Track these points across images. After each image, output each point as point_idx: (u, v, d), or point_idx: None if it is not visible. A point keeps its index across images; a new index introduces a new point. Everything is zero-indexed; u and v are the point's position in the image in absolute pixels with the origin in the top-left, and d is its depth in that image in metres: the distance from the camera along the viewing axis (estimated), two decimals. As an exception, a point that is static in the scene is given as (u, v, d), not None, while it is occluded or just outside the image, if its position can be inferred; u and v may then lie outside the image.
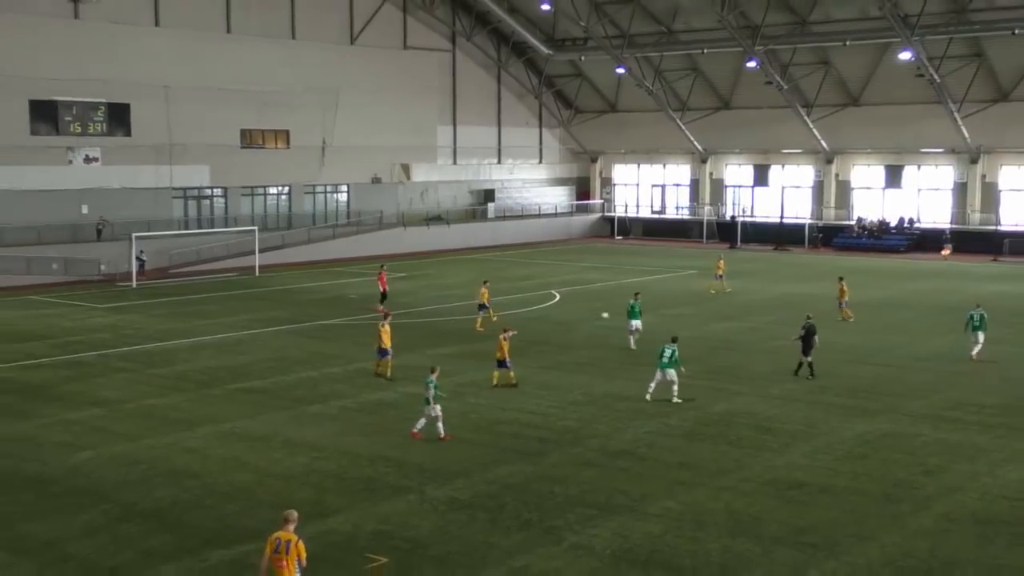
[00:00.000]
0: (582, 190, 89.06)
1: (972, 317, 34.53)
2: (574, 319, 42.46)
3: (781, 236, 75.11)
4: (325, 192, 71.71)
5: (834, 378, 31.25)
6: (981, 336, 34.11)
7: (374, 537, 18.47)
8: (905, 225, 73.26)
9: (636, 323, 35.86)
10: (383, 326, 31.30)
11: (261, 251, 60.02)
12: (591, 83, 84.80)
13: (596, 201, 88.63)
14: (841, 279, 43.43)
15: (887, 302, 47.46)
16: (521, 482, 21.50)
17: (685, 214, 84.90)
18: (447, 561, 17.53)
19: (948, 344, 36.75)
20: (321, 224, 69.86)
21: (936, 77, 65.79)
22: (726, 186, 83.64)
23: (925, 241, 70.93)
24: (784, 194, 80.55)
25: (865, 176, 77.39)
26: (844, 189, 77.61)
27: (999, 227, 70.40)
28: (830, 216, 77.17)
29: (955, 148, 71.54)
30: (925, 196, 74.69)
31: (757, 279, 56.17)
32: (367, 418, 26.83)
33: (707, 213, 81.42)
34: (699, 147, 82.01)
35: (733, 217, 78.96)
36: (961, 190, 72.65)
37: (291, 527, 14.43)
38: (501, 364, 30.07)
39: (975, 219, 71.71)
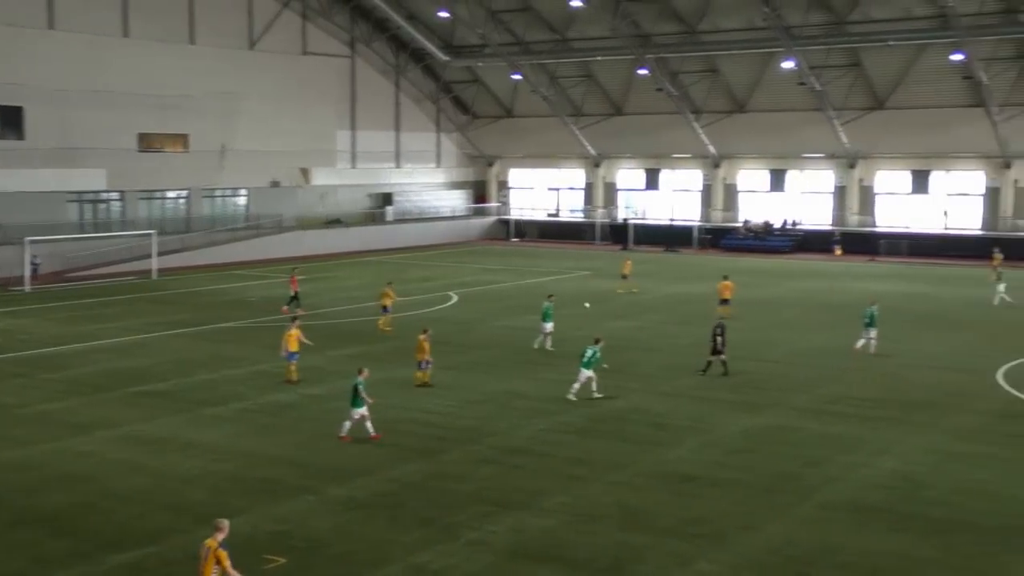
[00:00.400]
0: (479, 193, 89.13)
1: (866, 313, 35.44)
2: (472, 320, 42.45)
3: (671, 238, 76.15)
4: (224, 196, 70.54)
5: (721, 375, 31.72)
6: (873, 332, 35.01)
7: (273, 538, 18.20)
8: (789, 227, 74.85)
9: (548, 325, 35.77)
10: (291, 331, 30.74)
11: (160, 255, 58.77)
12: (488, 89, 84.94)
13: (493, 204, 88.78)
14: (726, 277, 44.18)
15: (772, 301, 48.40)
16: (420, 480, 21.40)
17: (579, 217, 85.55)
18: (346, 560, 17.36)
19: (830, 340, 37.62)
20: (221, 228, 68.71)
21: (817, 85, 67.39)
22: (618, 189, 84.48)
23: (808, 242, 72.55)
24: (674, 197, 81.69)
25: (751, 180, 78.89)
26: (731, 192, 79.02)
27: (875, 228, 72.36)
28: (718, 218, 78.49)
29: (835, 153, 73.36)
30: (807, 199, 76.42)
31: (648, 279, 56.78)
32: (266, 419, 26.44)
33: (600, 216, 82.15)
34: (593, 152, 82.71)
35: (625, 220, 79.80)
36: (840, 193, 74.50)
37: (219, 536, 14.21)
38: (420, 365, 30.03)
39: (853, 221, 73.61)
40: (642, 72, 72.83)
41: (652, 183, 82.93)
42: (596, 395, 28.26)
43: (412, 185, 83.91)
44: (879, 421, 26.27)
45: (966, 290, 52.33)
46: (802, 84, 67.85)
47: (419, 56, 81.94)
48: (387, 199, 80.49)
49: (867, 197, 73.75)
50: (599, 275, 58.90)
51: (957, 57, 61.87)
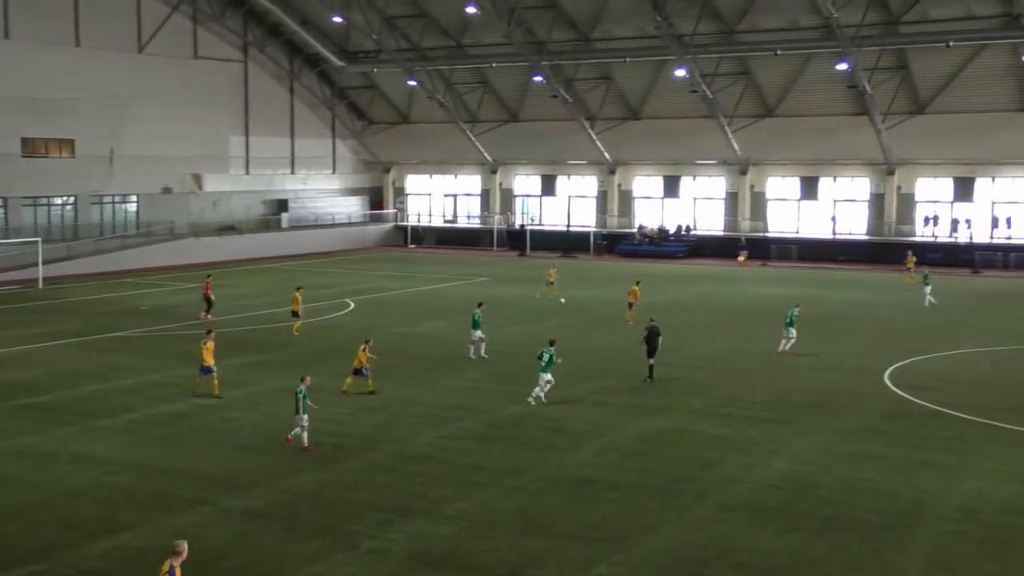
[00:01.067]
0: (375, 200, 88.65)
1: (787, 315, 36.50)
2: (370, 327, 42.10)
3: (568, 244, 76.73)
4: (113, 202, 68.90)
5: (619, 379, 32.07)
6: (793, 332, 36.04)
7: (166, 551, 17.74)
8: (683, 233, 76.01)
9: (478, 333, 35.49)
10: (206, 344, 29.68)
11: (45, 263, 57.10)
12: (384, 95, 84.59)
13: (389, 211, 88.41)
14: (637, 283, 44.81)
15: (667, 305, 48.99)
16: (316, 489, 21.18)
17: (476, 223, 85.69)
18: (242, 571, 17.08)
19: (723, 344, 38.28)
20: (110, 235, 67.13)
21: (709, 93, 68.63)
22: (515, 196, 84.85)
23: (702, 247, 73.75)
24: (570, 203, 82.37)
25: (646, 186, 79.93)
26: (626, 198, 79.96)
27: (767, 234, 73.91)
28: (613, 224, 79.34)
29: (727, 160, 74.76)
30: (700, 205, 77.74)
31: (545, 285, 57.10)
32: (159, 430, 25.89)
33: (497, 222, 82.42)
34: (489, 158, 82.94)
35: (522, 226, 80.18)
36: (732, 200, 75.94)
37: (176, 560, 13.58)
38: (357, 372, 29.83)
39: (745, 227, 75.07)
40: (537, 79, 73.30)
41: (548, 189, 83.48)
42: (543, 398, 28.50)
43: (308, 191, 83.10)
44: (771, 423, 26.82)
45: (854, 293, 53.77)
46: (694, 92, 69.05)
47: (314, 61, 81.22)
48: (282, 205, 79.57)
49: (759, 203, 75.31)
50: (497, 281, 59.06)
51: (842, 67, 63.58)
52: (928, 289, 49.38)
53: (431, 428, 26.10)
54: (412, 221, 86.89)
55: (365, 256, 75.83)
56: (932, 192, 71.12)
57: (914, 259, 60.74)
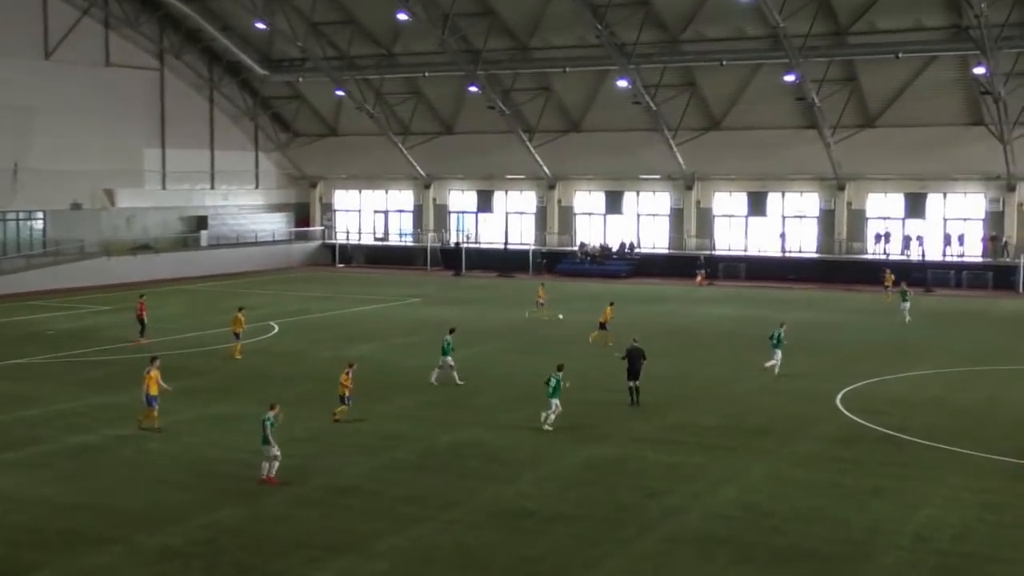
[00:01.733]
0: (302, 216, 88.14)
1: (773, 335, 37.26)
2: (296, 351, 41.87)
3: (506, 263, 76.83)
4: (18, 219, 67.77)
5: (564, 405, 32.10)
6: (778, 353, 36.85)
7: (76, 594, 17.50)
8: (626, 251, 76.51)
9: (448, 359, 35.18)
10: (150, 372, 28.94)
11: (-57, 285, 56.06)
12: (310, 105, 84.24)
13: (317, 228, 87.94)
14: (611, 304, 45.46)
15: (612, 327, 49.22)
16: (240, 525, 20.95)
17: (409, 241, 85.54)
18: (159, 615, 16.84)
19: (670, 367, 38.53)
20: (14, 254, 65.97)
21: (652, 104, 69.25)
22: (450, 212, 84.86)
23: (646, 266, 74.23)
24: (508, 220, 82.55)
25: (587, 202, 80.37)
26: (567, 215, 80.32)
27: (714, 252, 74.64)
28: (553, 242, 79.64)
29: (671, 175, 75.43)
30: (645, 222, 78.32)
31: (483, 306, 57.19)
32: (68, 464, 25.44)
33: (431, 240, 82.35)
34: (422, 172, 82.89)
35: (457, 244, 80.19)
36: (678, 216, 76.60)
37: None
38: (342, 400, 29.79)
39: (691, 244, 75.75)
40: (473, 89, 73.46)
41: (485, 205, 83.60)
42: (547, 427, 28.69)
43: (229, 207, 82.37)
44: (721, 449, 27.04)
45: (804, 314, 54.38)
46: (637, 103, 69.62)
47: (235, 70, 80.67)
48: (201, 223, 78.76)
49: (705, 219, 76.05)
50: (431, 302, 58.96)
51: (790, 78, 64.50)
52: (907, 306, 50.85)
53: (363, 459, 25.95)
54: (340, 239, 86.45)
55: (290, 276, 75.31)
56: (883, 208, 72.37)
57: (892, 277, 61.79)
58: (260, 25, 72.74)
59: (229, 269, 75.39)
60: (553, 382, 29.01)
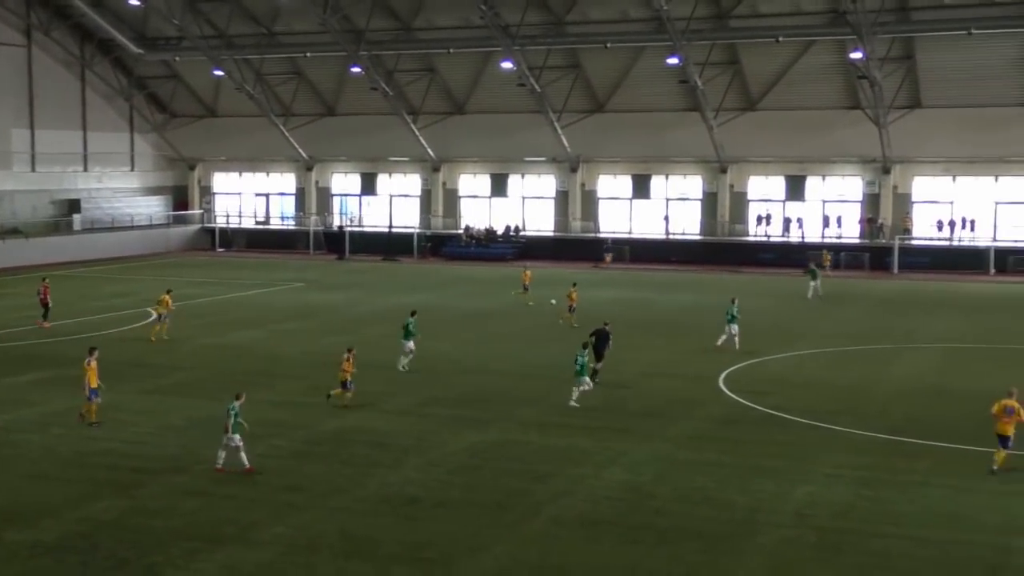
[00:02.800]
0: (180, 200, 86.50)
1: (728, 311, 38.77)
2: (174, 338, 41.06)
3: (390, 246, 76.48)
4: None
5: (446, 389, 32.17)
6: (735, 327, 38.39)
7: (-57, 594, 16.97)
8: (512, 234, 76.75)
9: (410, 344, 34.81)
10: (90, 363, 27.89)
11: None
12: (187, 85, 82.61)
13: (196, 211, 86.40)
14: (574, 285, 45.84)
15: (495, 311, 49.44)
16: (116, 518, 20.51)
17: (291, 225, 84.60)
18: (32, 613, 16.42)
19: (554, 350, 38.78)
20: None
21: (537, 87, 69.51)
22: (333, 195, 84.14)
23: (531, 249, 74.56)
24: (392, 203, 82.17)
25: (472, 185, 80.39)
26: (452, 198, 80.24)
27: (599, 234, 75.32)
28: (439, 225, 79.50)
29: (556, 157, 75.86)
30: (530, 204, 78.65)
31: (367, 291, 56.87)
32: (-67, 459, 24.63)
33: (314, 223, 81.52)
34: (304, 154, 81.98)
35: (341, 227, 79.54)
36: (563, 198, 77.11)
37: None
38: (343, 385, 29.58)
39: (576, 227, 76.33)
40: (355, 70, 72.85)
41: (369, 188, 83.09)
42: (573, 403, 29.64)
43: (103, 191, 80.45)
44: (606, 431, 27.33)
45: (688, 296, 55.29)
46: (522, 85, 69.79)
47: (108, 48, 78.62)
48: (74, 206, 76.77)
49: (590, 202, 76.67)
50: (315, 287, 58.40)
51: (673, 61, 65.34)
52: (816, 283, 52.98)
53: (244, 447, 25.57)
54: (221, 222, 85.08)
55: (169, 260, 73.89)
56: (765, 190, 73.85)
57: (830, 257, 63.41)
58: (134, 1, 71.04)
59: (104, 254, 73.59)
60: (580, 361, 29.79)
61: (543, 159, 76.73)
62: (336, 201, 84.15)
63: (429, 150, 77.95)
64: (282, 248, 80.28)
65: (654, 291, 57.20)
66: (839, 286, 55.39)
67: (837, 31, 62.53)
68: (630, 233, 75.21)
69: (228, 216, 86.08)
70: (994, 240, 67.45)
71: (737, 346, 38.31)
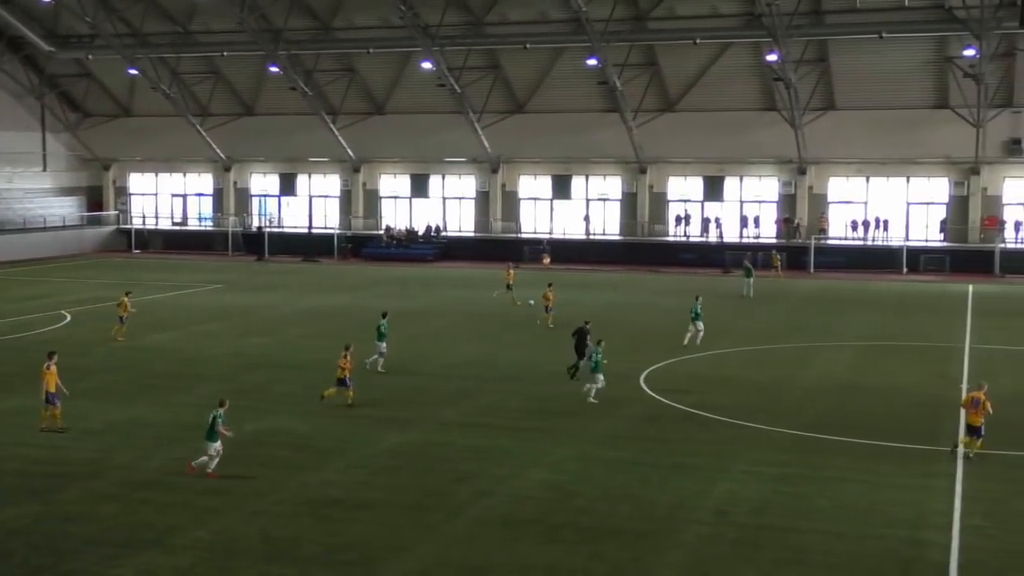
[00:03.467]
0: (94, 200, 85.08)
1: (692, 308, 40.15)
2: (90, 341, 40.38)
3: (310, 247, 75.93)
4: None
5: (367, 390, 32.01)
6: (700, 324, 39.69)
7: None
8: (432, 234, 76.63)
9: (383, 345, 34.51)
10: (49, 368, 27.18)
11: None
12: (101, 84, 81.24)
13: (111, 212, 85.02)
14: (550, 285, 45.83)
15: (419, 312, 49.31)
16: (30, 524, 20.12)
17: (209, 226, 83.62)
18: (-58, 623, 16.04)
19: (477, 351, 38.85)
20: None
21: (457, 87, 69.50)
22: (252, 196, 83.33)
23: (453, 250, 74.50)
24: (312, 204, 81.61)
25: (392, 185, 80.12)
26: (372, 198, 79.89)
27: (520, 235, 75.49)
28: (359, 226, 79.10)
29: (477, 158, 75.90)
30: (451, 205, 78.60)
31: (287, 292, 56.42)
32: None
33: (232, 224, 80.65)
34: (222, 155, 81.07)
35: (260, 228, 78.80)
36: (484, 199, 77.16)
37: None
38: (341, 382, 29.43)
39: (497, 227, 76.43)
40: (273, 70, 72.25)
41: (288, 189, 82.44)
42: (592, 399, 30.31)
43: (14, 191, 78.84)
44: (528, 431, 27.42)
45: (608, 295, 55.65)
46: (442, 86, 69.74)
47: (17, 45, 76.99)
48: (-17, 207, 75.26)
49: (511, 203, 76.82)
50: (233, 288, 57.80)
51: (592, 62, 65.75)
52: (751, 281, 54.14)
53: (162, 451, 25.27)
54: (137, 224, 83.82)
55: (83, 263, 72.61)
56: (683, 191, 74.57)
57: (779, 258, 64.46)
58: (45, -2, 69.80)
59: (15, 256, 72.00)
60: (595, 357, 30.65)
61: (464, 159, 76.72)
62: (255, 202, 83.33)
63: (349, 150, 77.53)
64: (200, 249, 79.26)
65: (576, 291, 57.39)
66: (756, 286, 56.03)
67: (753, 33, 63.39)
68: (551, 234, 75.47)
69: (144, 217, 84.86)
70: (906, 240, 68.86)
71: (699, 342, 39.37)
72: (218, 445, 23.21)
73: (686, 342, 39.29)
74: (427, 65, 68.64)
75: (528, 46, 66.56)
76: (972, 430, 25.04)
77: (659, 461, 24.75)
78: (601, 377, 30.73)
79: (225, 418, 23.55)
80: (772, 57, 62.83)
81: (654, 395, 31.83)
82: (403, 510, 21.20)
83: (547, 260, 69.84)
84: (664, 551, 19.23)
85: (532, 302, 47.37)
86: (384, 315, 35.70)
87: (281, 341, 40.97)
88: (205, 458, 23.25)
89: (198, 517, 20.62)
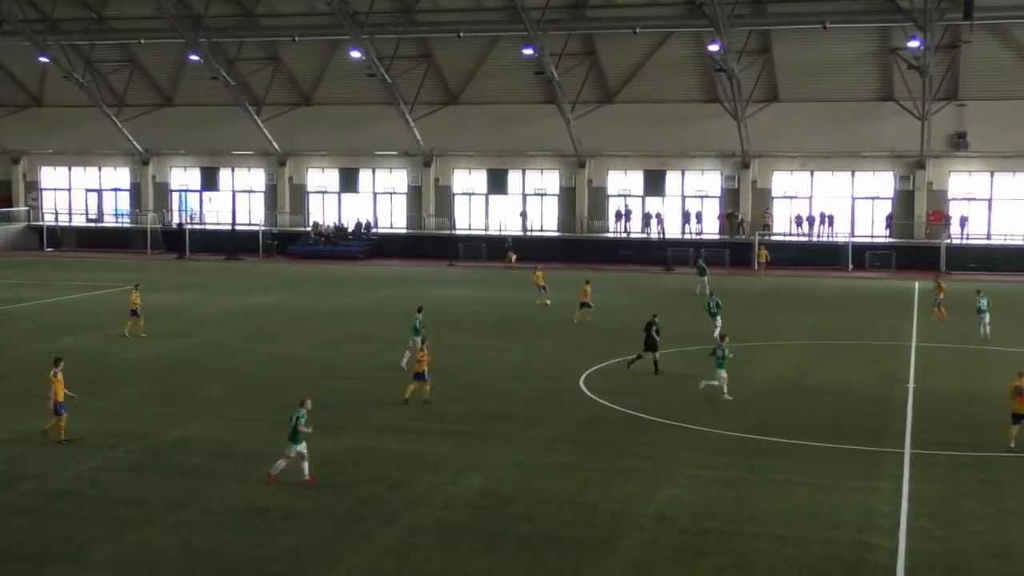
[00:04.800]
0: (3, 196, 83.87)
1: (708, 304, 41.76)
2: (-2, 345, 39.78)
3: (234, 244, 75.34)
4: None
5: (293, 393, 31.68)
6: (719, 320, 40.85)
7: None
8: (363, 231, 76.35)
9: (418, 339, 33.95)
10: (56, 376, 26.60)
11: None
12: (9, 73, 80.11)
13: (21, 208, 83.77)
14: (587, 282, 46.78)
15: (349, 311, 49.14)
16: (-64, 540, 19.78)
17: (126, 222, 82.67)
18: None
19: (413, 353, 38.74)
20: None
21: (387, 77, 69.30)
22: (172, 191, 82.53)
23: (384, 247, 74.28)
24: (236, 199, 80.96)
25: (320, 180, 79.75)
26: (299, 193, 79.47)
27: (454, 231, 75.46)
28: (285, 222, 78.62)
29: (409, 151, 75.77)
30: (382, 200, 78.36)
31: (210, 292, 55.94)
32: None
33: (151, 221, 79.78)
34: (140, 148, 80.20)
35: (180, 225, 78.05)
36: (416, 194, 77.04)
37: None
38: (419, 376, 30.19)
39: (431, 224, 76.33)
40: (194, 58, 71.58)
41: (210, 183, 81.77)
42: (727, 396, 31.13)
43: (-84, 186, 77.47)
44: (464, 436, 27.40)
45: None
46: (371, 75, 69.51)
47: (-80, 31, 75.70)
48: None
49: (444, 198, 76.75)
50: (153, 288, 57.09)
51: (528, 52, 65.88)
52: (705, 279, 54.68)
53: (76, 459, 24.91)
54: (49, 220, 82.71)
55: (-9, 262, 71.49)
56: (623, 185, 74.98)
57: (765, 253, 65.01)
58: (-51, -18, 68.57)
59: (-82, 255, 70.82)
60: (719, 353, 31.55)
61: (395, 153, 76.55)
62: (175, 197, 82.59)
63: (274, 143, 77.01)
64: (117, 247, 78.39)
65: (512, 290, 57.52)
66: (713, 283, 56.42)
67: (694, 23, 63.98)
68: (486, 230, 75.54)
69: (57, 214, 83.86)
70: (851, 236, 69.81)
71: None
72: (301, 448, 23.00)
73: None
74: (356, 54, 68.39)
75: (462, 34, 66.54)
76: (1017, 418, 25.69)
77: (600, 465, 24.85)
78: (723, 373, 31.48)
79: (307, 418, 23.37)
80: (714, 47, 63.40)
81: (595, 397, 31.96)
82: (333, 519, 21.09)
83: (514, 258, 69.60)
84: (605, 559, 19.32)
85: (548, 303, 49.50)
86: (419, 310, 36.31)
87: (203, 343, 40.59)
88: (283, 462, 23.05)
89: (116, 529, 20.36)
